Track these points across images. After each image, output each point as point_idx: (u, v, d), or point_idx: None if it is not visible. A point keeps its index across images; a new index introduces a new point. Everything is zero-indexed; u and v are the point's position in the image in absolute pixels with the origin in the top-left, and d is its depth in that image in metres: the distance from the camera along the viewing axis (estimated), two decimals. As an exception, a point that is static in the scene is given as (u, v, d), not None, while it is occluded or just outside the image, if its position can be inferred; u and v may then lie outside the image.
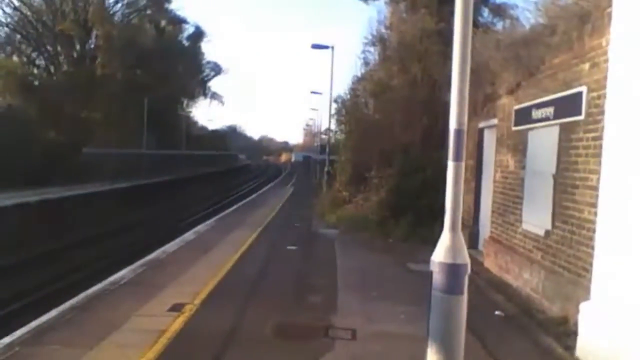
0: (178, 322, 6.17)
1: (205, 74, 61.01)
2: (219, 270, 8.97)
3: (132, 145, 39.27)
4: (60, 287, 11.11)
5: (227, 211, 19.79)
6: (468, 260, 3.27)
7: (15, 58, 38.14)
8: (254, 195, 29.17)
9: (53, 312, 6.55)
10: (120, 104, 37.95)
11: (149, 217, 22.87)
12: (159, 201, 26.93)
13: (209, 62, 60.73)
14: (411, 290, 8.03)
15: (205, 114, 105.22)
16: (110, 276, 8.59)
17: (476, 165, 11.67)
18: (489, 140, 10.90)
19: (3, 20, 37.60)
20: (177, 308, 6.70)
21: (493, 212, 10.13)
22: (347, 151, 18.73)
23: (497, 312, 7.30)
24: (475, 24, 10.02)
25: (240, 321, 6.35)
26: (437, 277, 3.23)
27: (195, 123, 68.27)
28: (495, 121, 10.14)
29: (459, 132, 3.16)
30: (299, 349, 5.51)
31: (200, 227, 14.76)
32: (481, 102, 10.64)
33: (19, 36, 38.69)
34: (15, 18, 38.27)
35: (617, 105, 5.19)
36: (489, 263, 10.00)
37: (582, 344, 5.49)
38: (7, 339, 5.53)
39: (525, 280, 8.15)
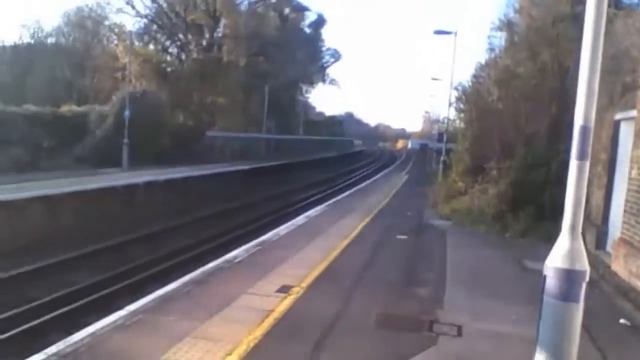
0: (285, 304, 6.38)
1: (324, 60, 62.03)
2: (328, 255, 9.11)
3: (253, 130, 41.08)
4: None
5: (339, 197, 19.99)
6: (587, 267, 3.00)
7: (151, 46, 41.26)
8: (366, 182, 29.17)
9: (174, 284, 7.07)
10: (243, 90, 39.78)
11: (265, 198, 23.80)
12: (272, 184, 27.92)
13: (328, 49, 61.69)
14: (525, 289, 7.61)
15: (323, 100, 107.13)
16: (226, 254, 9.10)
17: (609, 160, 10.72)
18: (626, 133, 9.93)
19: (142, 12, 40.74)
20: (284, 290, 6.93)
21: (626, 211, 9.25)
22: (466, 140, 18.04)
23: (622, 321, 6.70)
24: (617, 6, 9.13)
25: (344, 308, 6.41)
26: (551, 283, 2.99)
27: (313, 108, 69.87)
28: (634, 113, 9.19)
29: (584, 129, 2.88)
30: (401, 341, 5.44)
31: (311, 212, 15.04)
32: (619, 92, 9.73)
33: (155, 26, 41.67)
34: (153, 10, 41.29)
35: None
36: (617, 266, 9.18)
37: None
38: (132, 306, 6.05)
39: (659, 289, 7.38)
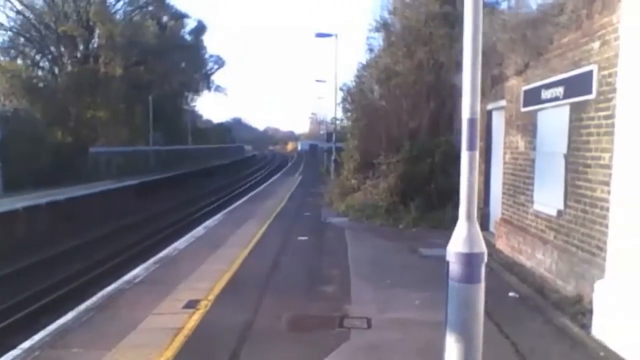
0: (194, 319, 6.21)
1: (208, 67, 61.07)
2: (231, 265, 9.00)
3: (139, 143, 39.39)
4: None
5: (235, 204, 19.80)
6: (485, 249, 3.25)
7: (19, 61, 38.16)
8: (261, 187, 29.14)
9: (71, 314, 6.60)
10: (125, 102, 38.06)
11: (159, 212, 22.93)
12: (166, 197, 27.01)
13: (211, 56, 60.83)
14: (424, 275, 8.05)
15: (211, 108, 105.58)
16: (124, 275, 8.66)
17: (485, 147, 11.59)
18: (498, 122, 10.83)
19: (6, 24, 37.55)
20: (192, 305, 6.75)
21: (503, 193, 10.09)
22: (354, 138, 18.65)
23: (511, 294, 7.30)
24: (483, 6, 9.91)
25: (255, 315, 6.37)
26: (454, 267, 3.21)
27: (200, 117, 68.49)
28: (503, 103, 10.06)
29: (472, 121, 3.11)
30: (315, 341, 5.53)
31: (209, 222, 14.77)
32: (489, 84, 10.56)
33: (22, 39, 38.64)
34: (18, 22, 38.22)
35: (630, 83, 5.12)
36: (501, 244, 9.98)
37: (598, 322, 5.49)
38: (27, 343, 5.57)
39: (539, 260, 8.13)
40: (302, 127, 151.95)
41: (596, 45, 6.26)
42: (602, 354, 5.15)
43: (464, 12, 3.09)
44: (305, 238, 11.81)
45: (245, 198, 22.17)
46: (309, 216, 15.76)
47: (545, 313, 6.47)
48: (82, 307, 6.94)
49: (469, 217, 3.17)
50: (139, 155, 38.53)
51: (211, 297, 7.13)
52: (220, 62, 61.97)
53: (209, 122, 76.01)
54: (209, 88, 61.59)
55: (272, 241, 11.49)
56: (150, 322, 6.20)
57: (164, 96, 42.90)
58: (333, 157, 25.33)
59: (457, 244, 3.20)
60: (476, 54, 3.04)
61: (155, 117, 40.89)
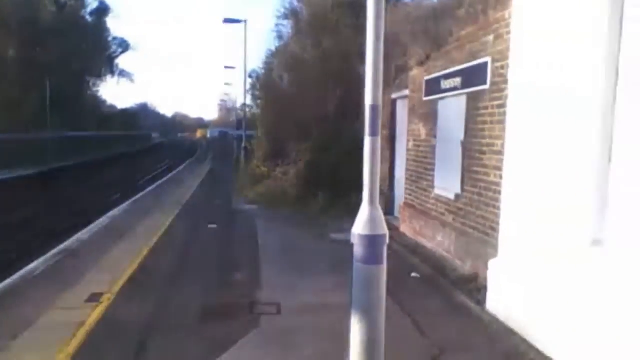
0: (97, 313, 5.94)
1: (112, 50, 58.04)
2: (138, 255, 8.71)
3: (36, 129, 36.72)
4: None
5: (143, 193, 19.12)
6: (387, 231, 3.39)
7: None
8: (169, 175, 28.32)
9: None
10: (19, 86, 35.26)
11: (58, 203, 21.63)
12: (64, 187, 25.50)
13: (115, 39, 57.83)
14: (334, 260, 8.21)
15: (115, 93, 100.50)
16: (23, 268, 8.13)
17: (390, 134, 11.99)
18: (402, 110, 11.23)
19: None
20: (95, 298, 6.44)
21: (407, 179, 10.51)
22: (264, 126, 18.61)
23: (413, 274, 7.65)
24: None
25: (162, 306, 6.23)
26: (358, 249, 3.32)
27: (104, 102, 65.06)
28: (407, 92, 10.44)
29: (374, 108, 3.22)
30: (224, 329, 5.49)
31: (114, 212, 14.16)
32: (393, 74, 10.90)
33: None
34: None
35: (518, 75, 5.51)
36: (405, 228, 10.42)
37: (492, 297, 5.90)
38: None
39: (439, 242, 8.58)
40: (212, 114, 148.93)
41: (491, 38, 6.67)
42: (495, 327, 5.56)
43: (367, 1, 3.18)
44: (215, 226, 11.66)
45: (151, 187, 21.44)
46: (218, 204, 15.56)
47: (445, 291, 6.86)
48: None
49: (371, 200, 3.29)
50: (36, 143, 35.97)
51: (116, 289, 6.87)
52: (124, 46, 59.18)
53: (113, 108, 72.48)
54: (112, 72, 58.71)
55: (181, 230, 11.25)
56: (49, 318, 5.86)
57: (64, 80, 40.22)
58: (243, 145, 25.09)
59: (360, 227, 3.31)
60: (378, 42, 3.14)
61: (54, 102, 38.23)
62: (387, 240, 3.37)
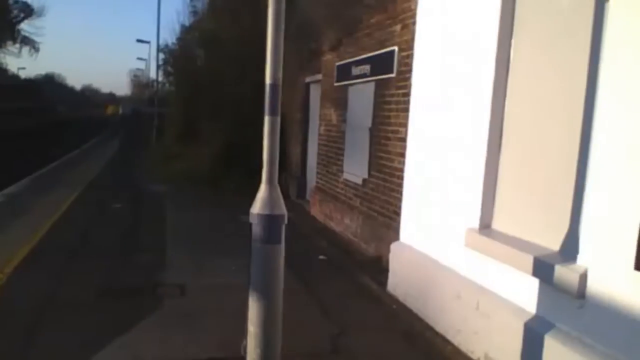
0: (-17, 295, 5.62)
1: (13, 15, 53.55)
2: (34, 235, 8.26)
3: None
4: None
5: (43, 170, 18.03)
6: (285, 211, 3.44)
7: None
8: (76, 151, 26.87)
9: None
10: None
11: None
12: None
13: (17, 2, 53.37)
14: (242, 241, 8.09)
15: (18, 62, 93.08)
16: None
17: (303, 119, 12.09)
18: (315, 95, 11.33)
19: None
20: (-18, 279, 6.09)
21: (318, 163, 10.66)
22: (177, 104, 18.07)
23: (320, 257, 7.81)
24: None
25: (58, 287, 5.96)
26: (257, 229, 3.35)
27: (5, 71, 60.10)
28: (320, 76, 10.54)
29: (273, 87, 3.24)
30: (123, 310, 5.35)
31: (11, 189, 13.27)
32: (307, 58, 10.95)
33: None
34: None
35: (419, 64, 5.74)
36: (315, 211, 10.58)
37: (392, 279, 6.17)
38: None
39: (347, 225, 8.81)
40: (124, 89, 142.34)
41: (398, 28, 6.87)
42: (394, 306, 5.81)
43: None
44: (120, 206, 11.25)
45: (53, 165, 20.26)
46: (126, 184, 15.00)
47: (349, 273, 7.06)
48: None
49: (270, 180, 3.32)
50: None
51: (8, 270, 6.49)
52: (27, 11, 54.77)
53: (15, 77, 67.12)
54: (14, 39, 54.24)
55: (83, 209, 10.77)
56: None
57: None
58: (155, 122, 24.26)
59: (258, 206, 3.34)
60: (279, 19, 3.15)
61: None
62: (286, 220, 3.43)
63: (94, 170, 17.65)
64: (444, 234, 5.07)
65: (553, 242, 3.76)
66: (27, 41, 55.33)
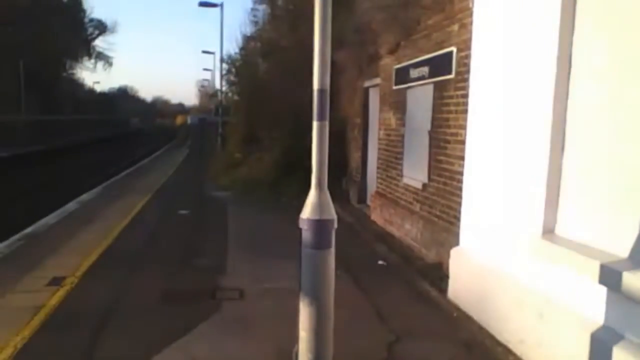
0: (57, 296, 5.92)
1: (88, 32, 56.94)
2: (104, 240, 8.65)
3: (10, 111, 35.97)
4: None
5: (116, 178, 18.92)
6: (335, 216, 3.40)
7: None
8: (146, 160, 28.05)
9: None
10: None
11: (29, 188, 21.29)
12: (36, 172, 25.07)
13: (91, 20, 56.77)
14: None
15: (94, 77, 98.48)
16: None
17: (363, 123, 12.04)
18: (374, 99, 11.26)
19: None
20: (56, 282, 6.42)
21: (378, 167, 10.57)
22: (239, 112, 18.48)
23: (380, 262, 7.71)
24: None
25: (124, 291, 6.20)
26: (306, 234, 3.34)
27: (82, 86, 63.89)
28: (378, 80, 10.46)
29: (322, 92, 3.22)
30: (184, 313, 5.49)
31: (84, 196, 14.00)
32: (366, 62, 10.90)
33: None
34: None
35: (478, 64, 5.56)
36: (375, 216, 10.48)
37: (452, 286, 5.99)
38: None
39: (407, 230, 8.66)
40: (192, 99, 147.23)
41: (456, 27, 6.70)
42: (455, 314, 5.64)
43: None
44: (186, 212, 11.60)
45: (125, 172, 21.22)
46: (192, 190, 15.47)
47: (409, 279, 6.92)
48: None
49: (319, 185, 3.30)
50: (8, 126, 35.26)
51: (79, 273, 6.83)
52: (102, 28, 58.23)
53: (92, 91, 71.22)
54: (89, 55, 57.66)
55: (151, 215, 11.17)
56: (8, 301, 5.83)
57: (38, 61, 39.38)
58: (219, 131, 24.91)
59: (308, 211, 3.33)
60: (325, 23, 3.13)
61: (28, 84, 37.51)
62: (335, 225, 3.39)
63: (162, 178, 18.31)
64: (506, 240, 4.87)
65: (622, 249, 3.52)
66: (101, 56, 58.67)
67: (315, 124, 3.26)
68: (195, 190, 15.49)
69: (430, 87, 7.54)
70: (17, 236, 9.10)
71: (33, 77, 38.02)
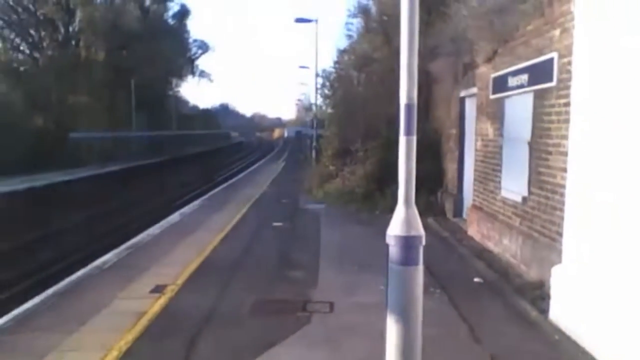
0: (159, 304, 6.26)
1: (192, 52, 60.42)
2: (203, 250, 9.03)
3: (123, 128, 39.00)
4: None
5: (216, 190, 19.79)
6: (422, 232, 3.30)
7: (-1, 44, 37.51)
8: (244, 173, 29.15)
9: (36, 299, 6.64)
10: (108, 87, 37.61)
11: (141, 199, 22.81)
12: (148, 183, 26.85)
13: (195, 40, 60.18)
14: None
15: (197, 93, 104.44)
16: (95, 260, 8.68)
17: (459, 134, 11.69)
18: (470, 109, 10.91)
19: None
20: (159, 289, 6.80)
21: (475, 180, 10.19)
22: (333, 125, 18.64)
23: (476, 279, 7.40)
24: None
25: (219, 300, 6.43)
26: (393, 250, 3.27)
27: (186, 103, 67.86)
28: (475, 90, 10.13)
29: (409, 107, 3.16)
30: (276, 325, 5.58)
31: (185, 209, 14.76)
32: (461, 71, 10.62)
33: (0, 22, 37.85)
34: (-4, 4, 37.41)
35: (581, 71, 5.20)
36: (472, 231, 10.10)
37: (554, 306, 5.60)
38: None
39: (505, 246, 8.26)
40: (289, 113, 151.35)
41: (557, 32, 6.33)
42: (556, 337, 5.27)
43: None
44: (280, 224, 11.84)
45: (225, 185, 22.14)
46: (286, 203, 15.80)
47: (507, 297, 6.58)
48: (50, 291, 6.99)
49: (407, 200, 3.22)
50: (122, 141, 38.21)
51: (179, 282, 7.18)
52: (204, 47, 61.40)
53: (195, 108, 75.48)
54: (193, 73, 61.05)
55: (247, 227, 11.53)
56: (115, 306, 6.25)
57: (147, 81, 42.35)
58: (314, 144, 25.31)
59: (395, 227, 3.26)
60: (412, 37, 3.06)
61: (138, 102, 40.48)
62: (424, 242, 3.29)
63: (258, 191, 18.88)
64: (612, 258, 4.48)
65: None
66: (203, 74, 61.89)
67: (402, 139, 3.20)
68: (289, 202, 15.80)
69: (530, 96, 7.16)
70: (124, 246, 9.75)
71: (143, 96, 40.89)
